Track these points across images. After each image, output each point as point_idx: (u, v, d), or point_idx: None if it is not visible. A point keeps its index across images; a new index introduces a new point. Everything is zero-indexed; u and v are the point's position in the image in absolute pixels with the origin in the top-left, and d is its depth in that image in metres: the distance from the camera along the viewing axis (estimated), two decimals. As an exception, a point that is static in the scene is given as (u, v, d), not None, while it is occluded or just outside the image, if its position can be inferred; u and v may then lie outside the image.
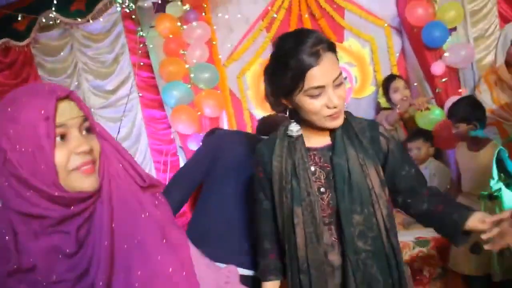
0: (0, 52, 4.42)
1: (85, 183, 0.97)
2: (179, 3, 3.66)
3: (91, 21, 4.08)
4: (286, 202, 1.44)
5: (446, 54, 3.37)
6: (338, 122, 1.40)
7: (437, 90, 3.43)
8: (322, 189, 1.42)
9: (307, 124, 1.43)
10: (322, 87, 1.32)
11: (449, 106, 2.80)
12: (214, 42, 3.82)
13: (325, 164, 1.43)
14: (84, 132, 0.97)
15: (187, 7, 3.66)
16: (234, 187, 1.99)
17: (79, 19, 4.04)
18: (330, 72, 1.32)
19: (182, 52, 3.65)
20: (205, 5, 3.77)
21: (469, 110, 2.56)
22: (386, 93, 3.37)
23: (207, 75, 3.59)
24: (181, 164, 3.89)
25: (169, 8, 3.69)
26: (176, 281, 1.04)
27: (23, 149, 0.89)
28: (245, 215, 1.44)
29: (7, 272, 0.93)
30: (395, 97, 3.28)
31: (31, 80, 4.40)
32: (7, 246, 0.94)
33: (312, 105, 1.35)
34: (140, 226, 1.04)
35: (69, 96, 0.96)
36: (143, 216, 1.05)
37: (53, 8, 3.96)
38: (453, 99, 3.06)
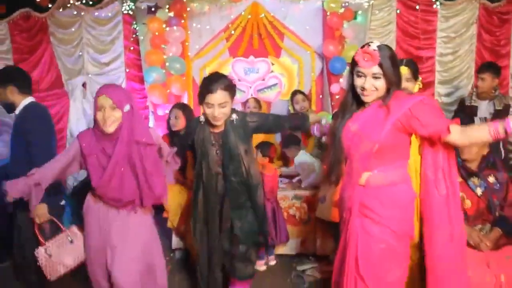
0: (22, 18, 5.44)
1: (106, 128, 2.26)
2: (166, 10, 4.93)
3: (99, 10, 5.30)
4: (199, 157, 2.80)
5: (341, 80, 4.89)
6: (217, 123, 2.69)
7: (332, 103, 4.97)
8: (218, 152, 2.78)
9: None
10: (212, 104, 2.61)
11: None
12: (186, 43, 5.13)
13: (219, 140, 2.76)
14: (111, 107, 2.23)
15: (171, 14, 4.95)
16: None
17: (90, 7, 5.23)
18: (218, 99, 2.59)
19: (163, 46, 4.98)
20: (185, 15, 5.06)
21: None
22: (292, 103, 4.87)
23: (178, 65, 4.96)
24: (151, 125, 5.26)
25: (159, 13, 4.98)
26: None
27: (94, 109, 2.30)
28: None
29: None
30: (296, 107, 4.77)
31: (44, 43, 5.51)
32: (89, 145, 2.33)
33: (208, 111, 2.65)
34: (132, 157, 2.32)
35: (105, 94, 2.24)
36: (137, 155, 2.32)
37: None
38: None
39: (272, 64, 5.39)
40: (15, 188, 2.29)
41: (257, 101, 4.94)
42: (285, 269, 3.88)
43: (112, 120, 2.25)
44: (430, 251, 2.27)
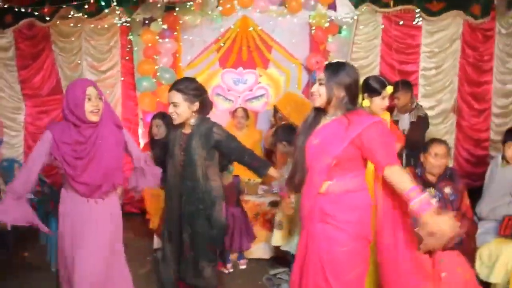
0: (26, 27, 5.77)
1: (92, 118, 2.50)
2: (160, 23, 5.22)
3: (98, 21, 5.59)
4: (169, 154, 2.98)
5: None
6: (174, 121, 2.89)
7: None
8: (182, 153, 2.92)
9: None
10: (169, 103, 2.87)
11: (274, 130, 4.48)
12: (177, 55, 5.40)
13: (185, 141, 2.92)
14: (97, 98, 2.51)
15: (165, 26, 5.24)
16: None
17: (90, 18, 5.49)
18: (170, 97, 2.84)
19: (155, 57, 5.27)
20: (178, 27, 5.33)
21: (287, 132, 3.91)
22: (274, 114, 5.12)
23: (168, 76, 5.24)
24: (140, 131, 5.55)
25: (153, 25, 5.26)
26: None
27: (75, 102, 2.50)
28: None
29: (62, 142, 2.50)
30: (277, 119, 5.01)
31: (46, 51, 5.82)
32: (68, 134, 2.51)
33: (169, 109, 2.89)
34: (111, 139, 2.59)
35: (93, 85, 2.54)
36: (113, 137, 2.62)
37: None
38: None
39: (260, 75, 5.61)
40: (11, 217, 2.49)
41: (245, 110, 5.19)
42: (258, 273, 4.08)
43: (98, 109, 2.52)
44: (379, 254, 2.50)
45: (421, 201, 2.18)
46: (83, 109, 2.49)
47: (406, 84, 4.75)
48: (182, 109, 2.85)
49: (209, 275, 2.94)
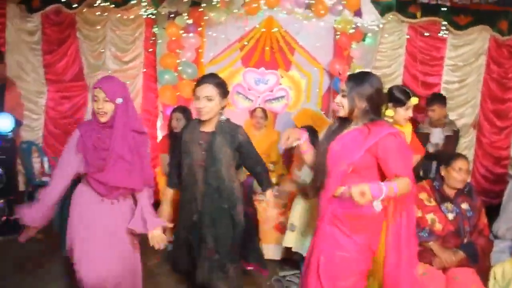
0: (53, 12, 5.78)
1: (100, 118, 2.47)
2: (185, 17, 5.21)
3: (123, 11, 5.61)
4: (186, 153, 2.86)
5: (343, 98, 5.09)
6: (203, 117, 2.77)
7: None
8: (203, 153, 2.80)
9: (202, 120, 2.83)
10: (198, 96, 2.73)
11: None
12: (200, 50, 5.39)
13: (207, 140, 2.80)
14: (104, 101, 2.45)
15: (190, 21, 5.22)
16: None
17: (116, 8, 5.52)
18: (203, 91, 2.71)
19: (178, 51, 5.26)
20: (202, 23, 5.32)
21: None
22: None
23: (190, 70, 5.23)
24: (159, 124, 5.56)
25: (178, 19, 5.25)
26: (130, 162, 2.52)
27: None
28: None
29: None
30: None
31: (71, 38, 5.82)
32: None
33: (196, 103, 2.76)
34: (126, 145, 2.51)
35: (100, 87, 2.47)
36: (126, 142, 2.51)
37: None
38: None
39: (282, 77, 5.59)
40: (31, 218, 2.51)
41: (264, 110, 5.16)
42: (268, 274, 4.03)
43: (103, 111, 2.49)
44: (384, 269, 2.49)
45: (380, 187, 2.20)
46: (93, 109, 2.54)
47: (442, 98, 4.77)
48: (215, 104, 2.77)
49: (233, 275, 2.89)
